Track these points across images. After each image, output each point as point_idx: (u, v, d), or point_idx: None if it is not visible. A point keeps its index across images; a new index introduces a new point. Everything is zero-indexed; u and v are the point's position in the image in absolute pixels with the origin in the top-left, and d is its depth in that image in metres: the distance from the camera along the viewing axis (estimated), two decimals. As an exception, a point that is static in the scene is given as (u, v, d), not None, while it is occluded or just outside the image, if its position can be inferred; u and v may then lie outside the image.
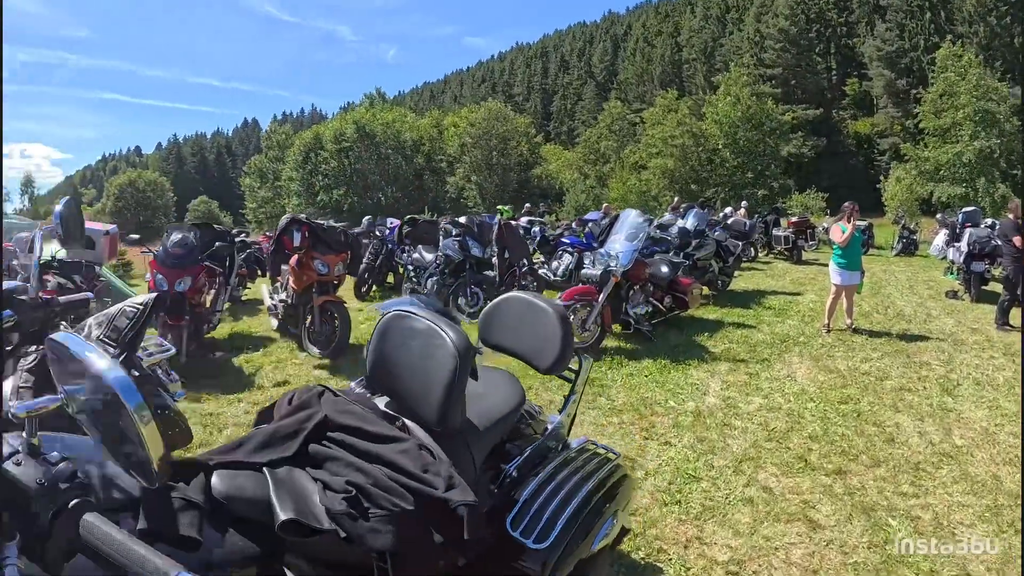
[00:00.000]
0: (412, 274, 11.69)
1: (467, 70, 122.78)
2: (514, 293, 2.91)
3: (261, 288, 11.61)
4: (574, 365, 2.95)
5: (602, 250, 8.26)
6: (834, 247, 8.94)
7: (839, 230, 8.82)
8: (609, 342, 8.30)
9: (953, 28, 44.13)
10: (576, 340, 7.37)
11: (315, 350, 7.63)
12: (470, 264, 10.38)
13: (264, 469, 1.81)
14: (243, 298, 13.22)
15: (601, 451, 2.72)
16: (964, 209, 14.45)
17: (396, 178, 55.98)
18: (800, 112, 53.22)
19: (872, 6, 58.28)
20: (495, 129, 51.49)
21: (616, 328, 8.58)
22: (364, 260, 13.46)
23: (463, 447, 2.13)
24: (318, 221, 8.41)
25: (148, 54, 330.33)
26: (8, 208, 72.65)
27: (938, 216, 17.80)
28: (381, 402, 2.30)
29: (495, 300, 2.97)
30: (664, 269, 8.84)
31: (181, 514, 1.52)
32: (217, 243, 9.31)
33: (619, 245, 8.21)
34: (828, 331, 8.89)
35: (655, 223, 10.32)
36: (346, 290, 12.88)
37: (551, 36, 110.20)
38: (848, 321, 9.09)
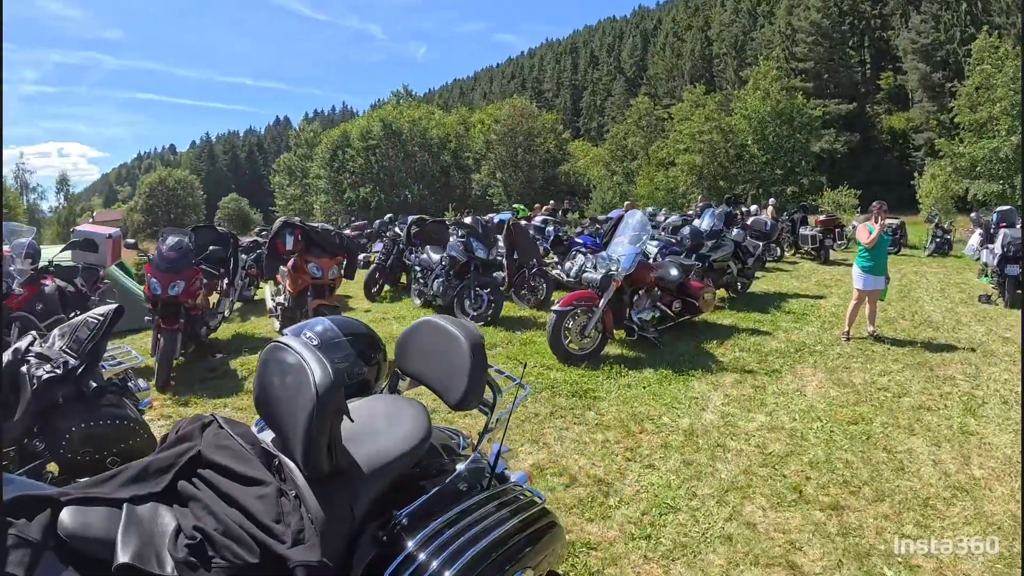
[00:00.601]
0: (419, 275, 11.44)
1: (497, 67, 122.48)
2: (429, 317, 2.62)
3: (265, 289, 11.48)
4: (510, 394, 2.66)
5: (603, 253, 7.90)
6: (859, 248, 8.43)
7: (866, 230, 8.27)
8: (611, 349, 7.95)
9: (990, 19, 42.70)
10: (574, 347, 7.09)
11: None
12: (475, 266, 10.10)
13: (125, 505, 1.72)
14: (255, 298, 13.18)
15: (527, 494, 2.42)
16: (998, 208, 13.73)
17: (423, 175, 55.92)
18: (833, 107, 51.98)
19: (906, -2, 56.85)
20: (520, 126, 51.06)
21: (619, 334, 8.22)
22: (376, 260, 13.29)
23: (340, 492, 1.88)
24: (312, 224, 8.36)
25: (181, 54, 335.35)
26: (44, 206, 74.37)
27: (972, 215, 17.03)
28: (268, 436, 2.09)
29: (413, 323, 2.70)
30: (673, 272, 8.45)
31: (12, 552, 1.48)
32: (212, 247, 9.24)
33: (622, 248, 7.85)
34: (848, 339, 8.41)
35: (665, 221, 9.82)
36: (357, 289, 12.81)
37: (581, 32, 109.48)
38: (870, 328, 8.59)
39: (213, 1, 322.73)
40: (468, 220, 11.41)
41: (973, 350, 7.95)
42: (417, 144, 55.45)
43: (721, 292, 11.64)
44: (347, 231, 20.21)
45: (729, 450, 4.95)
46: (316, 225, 8.67)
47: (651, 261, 9.15)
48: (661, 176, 39.18)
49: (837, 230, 18.86)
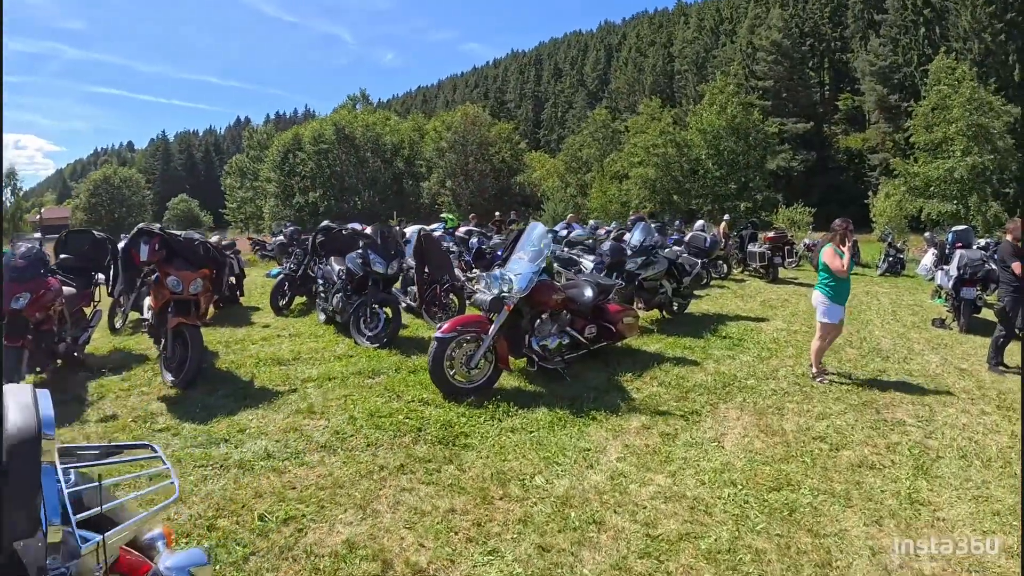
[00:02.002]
0: (321, 289, 10.23)
1: (461, 75, 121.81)
2: None
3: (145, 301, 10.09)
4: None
5: (496, 271, 6.66)
6: (821, 275, 7.12)
7: (834, 255, 6.95)
8: (508, 381, 6.72)
9: (948, 44, 42.95)
10: (461, 379, 5.90)
11: (168, 377, 6.58)
12: (373, 281, 8.85)
13: None
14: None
15: None
16: (954, 228, 12.93)
17: (374, 182, 54.40)
18: (791, 125, 52.29)
19: (867, 21, 57.46)
20: (472, 134, 49.82)
21: (519, 364, 6.99)
22: (286, 270, 12.02)
23: None
24: (174, 232, 7.35)
25: (145, 49, 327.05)
26: (-8, 200, 70.99)
27: (926, 235, 16.30)
28: None
29: None
30: (587, 293, 7.28)
31: None
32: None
33: (519, 265, 6.64)
34: (822, 377, 7.13)
35: (572, 235, 8.58)
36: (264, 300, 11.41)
37: (547, 44, 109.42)
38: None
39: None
40: (369, 229, 10.12)
41: (926, 387, 6.89)
42: (370, 150, 53.97)
43: (653, 313, 10.55)
44: (280, 238, 18.86)
45: (606, 529, 3.71)
46: (178, 233, 7.55)
47: (566, 279, 7.98)
48: (614, 189, 38.30)
49: (787, 248, 17.96)
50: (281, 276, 11.71)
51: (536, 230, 6.94)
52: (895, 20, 51.86)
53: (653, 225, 10.53)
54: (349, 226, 15.94)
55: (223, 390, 6.32)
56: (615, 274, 9.14)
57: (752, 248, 17.12)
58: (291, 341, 8.77)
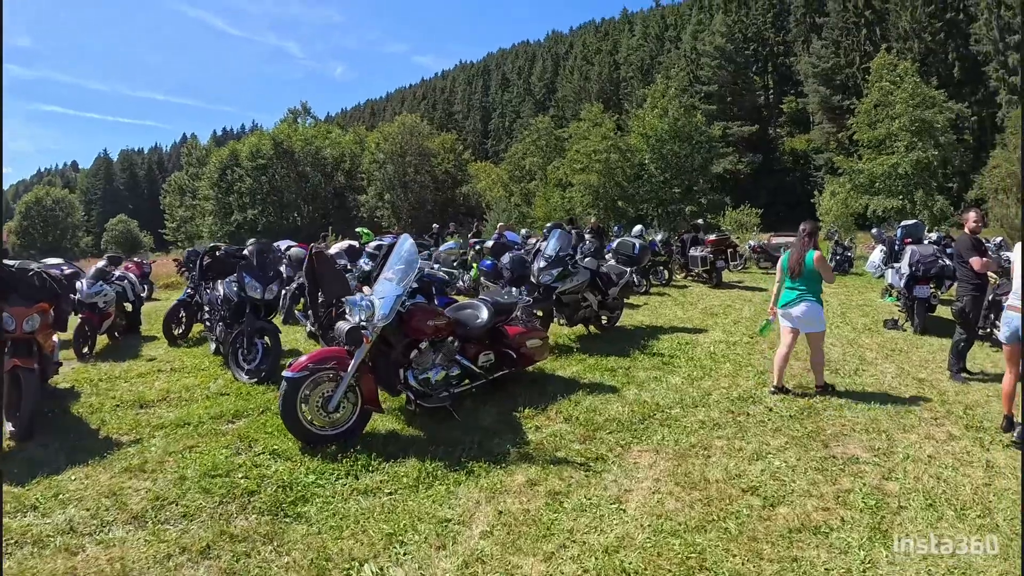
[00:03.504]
0: (207, 317, 9.12)
1: (408, 87, 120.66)
2: None
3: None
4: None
5: (356, 296, 5.39)
6: (807, 283, 6.24)
7: (827, 262, 6.37)
8: (385, 423, 5.50)
9: (889, 44, 43.14)
10: (321, 424, 5.02)
11: (8, 426, 5.54)
12: (252, 307, 7.65)
13: None
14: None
15: None
16: (904, 222, 12.10)
17: (314, 196, 52.65)
18: (736, 128, 52.23)
19: (808, 25, 58.08)
20: (410, 144, 48.36)
21: (396, 402, 5.76)
22: (184, 295, 10.69)
23: None
24: (8, 262, 6.48)
25: (92, 66, 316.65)
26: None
27: (873, 231, 15.53)
28: None
29: None
30: (481, 315, 6.08)
31: None
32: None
33: (383, 287, 5.39)
34: (826, 391, 6.31)
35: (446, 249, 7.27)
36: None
37: (495, 54, 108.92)
38: (775, 382, 6.41)
39: (127, 12, 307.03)
40: (248, 248, 8.81)
41: (881, 403, 5.82)
42: (309, 164, 52.23)
43: (578, 329, 9.40)
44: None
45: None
46: (11, 264, 6.49)
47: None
48: (558, 197, 37.28)
49: (730, 250, 17.02)
50: (176, 302, 10.45)
51: (405, 244, 5.68)
52: (836, 22, 52.28)
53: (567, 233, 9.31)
54: (279, 243, 14.55)
55: (60, 442, 5.28)
56: (522, 289, 7.96)
57: (694, 252, 16.14)
58: (168, 377, 7.62)
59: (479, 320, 6.13)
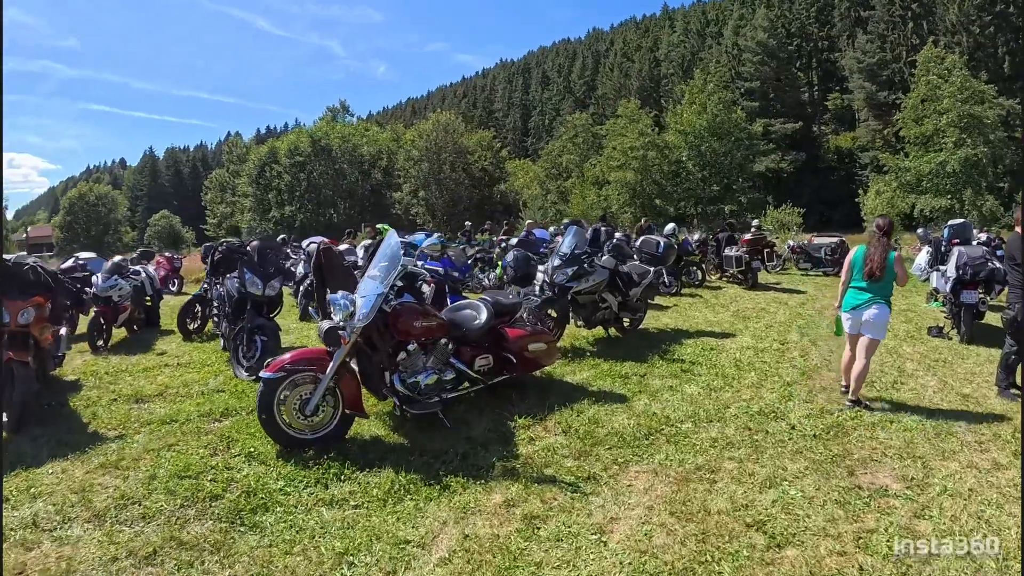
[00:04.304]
0: (216, 313, 9.10)
1: (449, 86, 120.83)
2: None
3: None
4: None
5: (337, 295, 4.99)
6: (882, 287, 5.74)
7: (902, 262, 5.83)
8: (370, 428, 5.20)
9: (936, 38, 41.45)
10: (301, 428, 4.77)
11: (3, 419, 5.43)
12: (253, 304, 7.48)
13: None
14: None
15: None
16: (950, 222, 11.30)
17: (351, 193, 52.75)
18: (779, 126, 50.86)
19: (853, 19, 56.22)
20: (446, 142, 48.05)
21: (383, 406, 5.37)
22: (200, 290, 10.62)
23: None
24: (6, 256, 6.52)
25: (137, 66, 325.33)
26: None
27: (919, 231, 14.65)
28: None
29: None
30: (480, 316, 5.65)
31: None
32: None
33: (367, 286, 5.02)
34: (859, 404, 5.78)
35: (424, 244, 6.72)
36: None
37: (535, 52, 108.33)
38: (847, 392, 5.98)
39: (172, 13, 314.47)
40: (252, 244, 8.61)
41: (920, 426, 5.21)
42: (347, 161, 52.35)
43: (597, 331, 8.89)
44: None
45: None
46: (8, 257, 6.56)
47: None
48: (594, 195, 36.62)
49: (767, 251, 16.30)
50: (191, 297, 10.33)
51: (391, 239, 5.27)
52: (882, 16, 50.49)
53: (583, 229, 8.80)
54: (312, 239, 14.39)
55: (48, 435, 5.20)
56: (527, 289, 7.51)
57: (728, 252, 15.48)
58: (172, 372, 7.50)
59: (477, 321, 5.70)
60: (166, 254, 19.16)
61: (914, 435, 4.96)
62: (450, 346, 5.52)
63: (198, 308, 10.05)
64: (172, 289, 16.55)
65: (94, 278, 9.41)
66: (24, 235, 77.91)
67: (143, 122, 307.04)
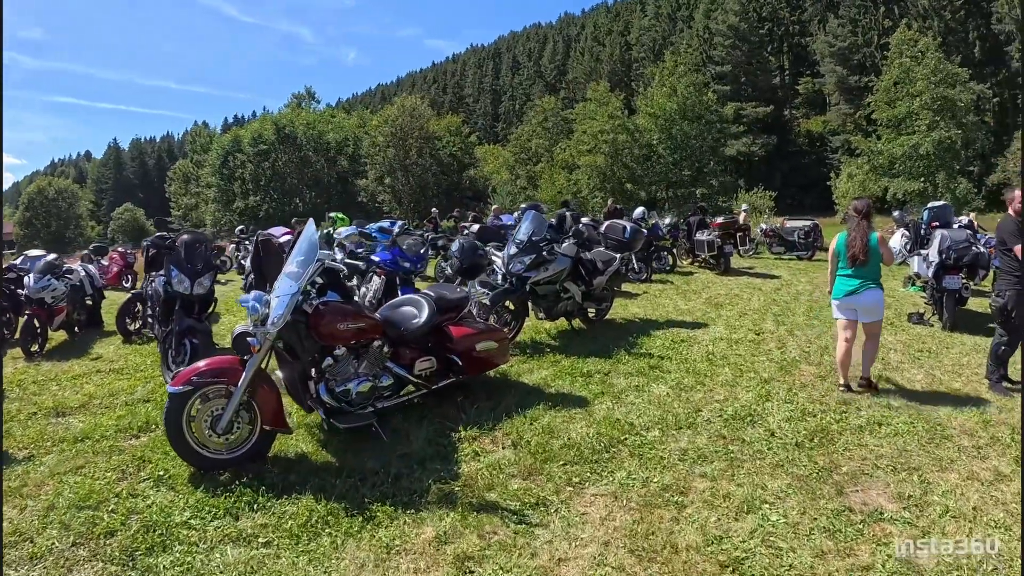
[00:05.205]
0: (150, 312, 8.39)
1: (419, 71, 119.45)
2: None
3: None
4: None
5: (250, 296, 4.30)
6: (870, 271, 5.52)
7: (885, 242, 5.66)
8: (296, 442, 4.48)
9: (908, 22, 41.28)
10: (215, 446, 4.15)
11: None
12: (182, 303, 6.81)
13: None
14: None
15: None
16: (931, 204, 10.88)
17: (317, 182, 51.59)
18: (751, 110, 50.59)
19: (825, 3, 56.10)
20: (411, 127, 46.98)
21: (311, 417, 4.73)
22: (142, 287, 10.06)
23: None
24: None
25: (103, 56, 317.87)
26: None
27: (895, 214, 14.22)
28: None
29: None
30: (421, 314, 5.02)
31: None
32: None
33: (282, 283, 4.34)
34: (871, 386, 5.69)
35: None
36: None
37: (506, 37, 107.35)
38: (842, 381, 5.75)
39: (139, 0, 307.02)
40: (185, 237, 7.88)
41: (911, 426, 4.68)
42: (312, 149, 51.14)
43: (560, 323, 8.29)
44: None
45: None
46: None
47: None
48: (564, 179, 36.01)
49: (740, 235, 15.81)
50: (130, 295, 9.63)
51: (309, 230, 4.59)
52: (853, 0, 50.38)
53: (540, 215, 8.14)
54: (272, 231, 13.64)
55: None
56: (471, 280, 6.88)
57: (700, 237, 14.96)
58: (102, 379, 6.83)
59: (416, 320, 5.05)
60: (119, 249, 18.26)
61: (906, 441, 4.41)
62: (386, 348, 4.87)
63: (138, 307, 9.33)
64: (126, 285, 15.69)
65: (26, 279, 8.68)
66: (-15, 233, 75.71)
67: (109, 113, 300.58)
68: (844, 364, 5.64)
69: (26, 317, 8.25)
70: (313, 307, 4.38)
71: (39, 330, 8.27)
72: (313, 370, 4.50)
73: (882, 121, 28.03)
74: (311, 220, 5.14)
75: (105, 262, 16.20)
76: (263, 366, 4.20)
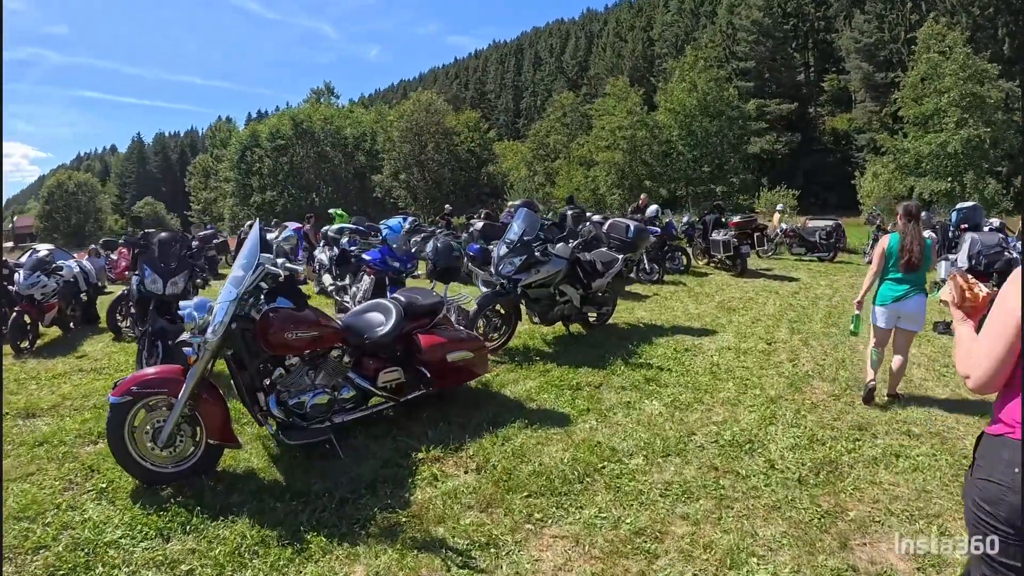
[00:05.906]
0: (131, 312, 8.33)
1: (441, 67, 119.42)
2: None
3: None
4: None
5: (191, 304, 3.88)
6: (919, 277, 5.38)
7: (934, 251, 5.66)
8: (243, 458, 4.04)
9: (936, 17, 40.10)
10: (159, 460, 3.89)
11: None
12: (156, 303, 6.53)
13: None
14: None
15: None
16: (960, 205, 10.25)
17: (334, 177, 51.37)
18: (774, 107, 49.63)
19: (850, -1, 54.74)
20: (428, 123, 46.53)
21: (263, 431, 4.33)
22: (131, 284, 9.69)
23: None
24: None
25: (128, 52, 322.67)
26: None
27: (923, 215, 13.53)
28: None
29: None
30: (388, 321, 4.55)
31: None
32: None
33: (225, 290, 3.93)
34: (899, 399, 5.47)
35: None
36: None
37: (528, 34, 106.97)
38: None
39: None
40: (163, 236, 7.58)
41: (933, 459, 4.11)
42: (330, 144, 50.95)
43: (557, 328, 7.80)
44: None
45: None
46: None
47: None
48: (581, 175, 35.43)
49: (757, 235, 15.16)
50: (121, 292, 9.35)
51: (254, 231, 4.16)
52: (880, -6, 49.20)
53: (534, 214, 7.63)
54: (287, 224, 13.41)
55: None
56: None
57: (715, 236, 14.35)
58: (80, 379, 6.69)
59: (382, 328, 4.58)
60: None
61: (927, 479, 3.84)
62: (346, 358, 4.41)
63: (123, 305, 9.08)
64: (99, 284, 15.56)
65: (16, 276, 8.62)
66: (11, 225, 76.89)
67: (135, 108, 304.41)
68: (875, 366, 5.37)
69: (15, 314, 8.12)
70: (261, 313, 3.95)
71: (28, 326, 8.18)
72: (263, 381, 4.08)
73: (908, 118, 27.11)
74: (257, 220, 4.71)
75: (114, 256, 16.05)
76: (207, 376, 3.82)
